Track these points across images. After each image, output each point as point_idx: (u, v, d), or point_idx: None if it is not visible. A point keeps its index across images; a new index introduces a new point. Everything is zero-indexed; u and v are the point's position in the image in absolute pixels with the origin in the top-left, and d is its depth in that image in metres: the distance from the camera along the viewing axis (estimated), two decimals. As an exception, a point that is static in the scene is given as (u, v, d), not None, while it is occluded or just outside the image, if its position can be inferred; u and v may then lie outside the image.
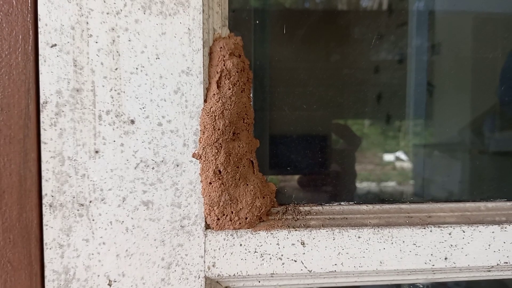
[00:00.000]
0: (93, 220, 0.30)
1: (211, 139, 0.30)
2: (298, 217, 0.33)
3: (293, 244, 0.32)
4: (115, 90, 0.30)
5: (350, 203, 0.34)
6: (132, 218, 0.30)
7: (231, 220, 0.31)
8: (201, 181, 0.31)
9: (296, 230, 0.32)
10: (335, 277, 0.33)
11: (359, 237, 0.32)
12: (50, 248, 0.30)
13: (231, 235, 0.31)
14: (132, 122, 0.30)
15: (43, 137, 0.29)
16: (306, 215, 0.33)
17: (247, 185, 0.32)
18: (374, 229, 0.32)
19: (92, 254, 0.30)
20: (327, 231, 0.32)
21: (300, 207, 0.34)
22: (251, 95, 0.33)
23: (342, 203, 0.34)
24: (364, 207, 0.34)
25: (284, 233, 0.32)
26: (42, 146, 0.29)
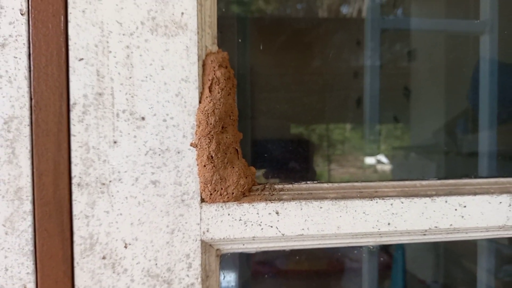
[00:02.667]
0: (112, 196, 0.38)
1: (205, 131, 0.39)
2: (273, 193, 0.42)
3: (269, 214, 0.41)
4: (129, 94, 0.38)
5: (314, 182, 0.43)
6: (143, 194, 0.39)
7: (221, 195, 0.40)
8: (197, 165, 0.39)
9: (272, 202, 0.41)
10: (303, 240, 0.42)
11: (321, 207, 0.41)
12: (78, 219, 0.38)
13: (221, 206, 0.40)
14: (143, 118, 0.38)
15: (72, 131, 0.38)
16: (279, 191, 0.42)
17: (233, 167, 0.41)
18: (333, 201, 0.42)
19: (112, 223, 0.38)
20: (296, 203, 0.41)
21: (275, 185, 0.42)
22: (235, 97, 0.42)
23: (308, 182, 0.43)
24: (325, 185, 0.43)
25: (262, 205, 0.41)
26: (72, 138, 0.38)
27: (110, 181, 0.38)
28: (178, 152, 0.39)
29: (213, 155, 0.39)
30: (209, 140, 0.39)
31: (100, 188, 0.38)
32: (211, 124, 0.39)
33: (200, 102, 0.39)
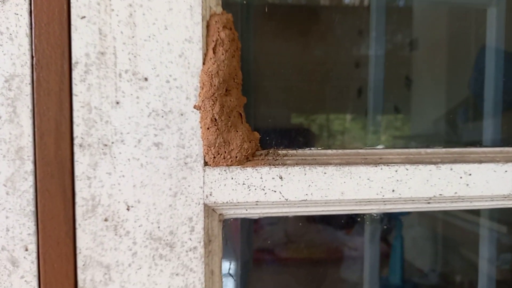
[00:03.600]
0: (114, 157, 0.38)
1: (208, 93, 0.38)
2: (277, 158, 0.42)
3: (273, 178, 0.40)
4: (132, 54, 0.37)
5: (319, 148, 0.43)
6: (145, 156, 0.38)
7: (224, 158, 0.39)
8: (200, 127, 0.39)
9: (275, 167, 0.40)
10: (307, 206, 0.42)
11: (325, 173, 0.41)
12: (80, 180, 0.38)
13: (224, 170, 0.40)
14: (146, 79, 0.38)
15: (74, 90, 0.37)
16: (283, 156, 0.42)
17: (237, 131, 0.40)
18: (337, 167, 0.41)
19: (114, 184, 0.38)
20: (300, 168, 0.41)
21: (279, 151, 0.42)
22: (239, 60, 0.41)
23: (312, 148, 0.43)
24: (329, 151, 0.43)
25: (266, 169, 0.40)
26: (74, 97, 0.37)
27: (112, 143, 0.38)
28: (181, 114, 0.39)
29: (216, 118, 0.39)
30: (212, 102, 0.38)
31: (102, 149, 0.38)
32: (214, 85, 0.38)
33: (203, 63, 0.39)
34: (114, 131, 0.38)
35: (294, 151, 0.43)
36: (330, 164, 0.41)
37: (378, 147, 0.44)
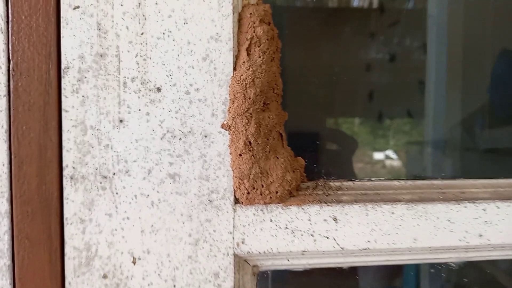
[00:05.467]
0: (116, 193, 0.28)
1: (241, 108, 0.29)
2: (329, 192, 0.32)
3: (325, 220, 0.30)
4: (140, 56, 0.28)
5: (381, 179, 0.33)
6: (158, 192, 0.29)
7: (261, 194, 0.30)
8: (230, 153, 0.29)
9: (327, 205, 0.31)
10: (367, 255, 0.32)
11: (392, 213, 0.31)
12: (71, 224, 0.28)
13: (261, 210, 0.30)
14: (159, 90, 0.28)
15: (64, 105, 0.28)
16: (337, 190, 0.32)
17: (277, 158, 0.31)
18: (408, 204, 0.31)
19: (116, 229, 0.29)
20: (360, 206, 0.31)
21: (330, 182, 0.32)
22: (280, 65, 0.32)
23: (372, 178, 0.33)
24: (395, 182, 0.33)
25: (315, 209, 0.30)
26: (63, 114, 0.28)
27: (114, 174, 0.28)
28: (205, 136, 0.29)
29: (251, 141, 0.29)
30: (246, 120, 0.29)
31: (101, 182, 0.28)
32: (249, 98, 0.29)
33: (235, 69, 0.29)
34: (117, 158, 0.28)
35: (350, 183, 0.33)
36: (399, 201, 0.32)
37: (459, 180, 0.34)
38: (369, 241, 0.31)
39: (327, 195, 0.31)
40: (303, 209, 0.30)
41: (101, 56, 0.28)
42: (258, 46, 0.29)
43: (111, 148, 0.28)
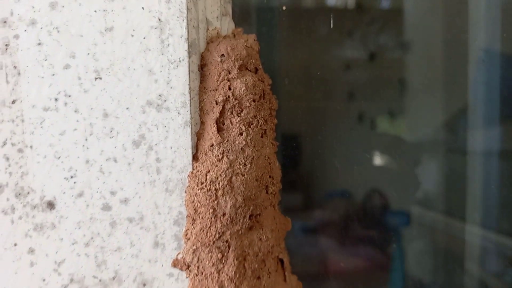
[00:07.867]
0: None
1: (209, 233, 0.15)
2: None
3: None
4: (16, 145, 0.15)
5: None
6: None
7: None
8: (190, 314, 0.16)
9: None
10: None
11: None
12: None
13: None
14: (51, 206, 0.15)
15: None
16: None
17: (277, 309, 0.17)
18: None
19: None
20: None
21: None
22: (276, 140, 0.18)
23: None
24: None
25: None
26: None
27: None
28: (144, 285, 0.16)
29: (229, 290, 0.16)
30: (220, 254, 0.16)
31: None
32: (224, 214, 0.15)
33: (195, 158, 0.16)
34: None
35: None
36: None
37: None
38: None
39: None
40: None
41: None
42: (238, 115, 0.16)
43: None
